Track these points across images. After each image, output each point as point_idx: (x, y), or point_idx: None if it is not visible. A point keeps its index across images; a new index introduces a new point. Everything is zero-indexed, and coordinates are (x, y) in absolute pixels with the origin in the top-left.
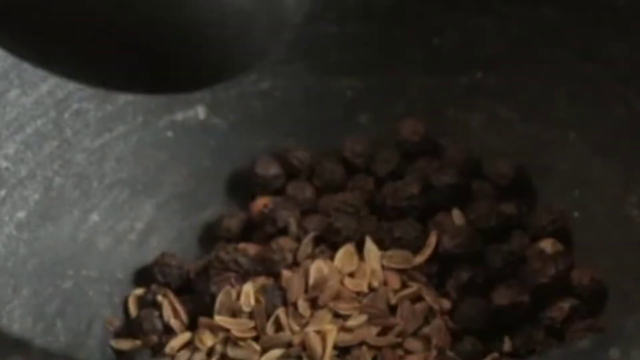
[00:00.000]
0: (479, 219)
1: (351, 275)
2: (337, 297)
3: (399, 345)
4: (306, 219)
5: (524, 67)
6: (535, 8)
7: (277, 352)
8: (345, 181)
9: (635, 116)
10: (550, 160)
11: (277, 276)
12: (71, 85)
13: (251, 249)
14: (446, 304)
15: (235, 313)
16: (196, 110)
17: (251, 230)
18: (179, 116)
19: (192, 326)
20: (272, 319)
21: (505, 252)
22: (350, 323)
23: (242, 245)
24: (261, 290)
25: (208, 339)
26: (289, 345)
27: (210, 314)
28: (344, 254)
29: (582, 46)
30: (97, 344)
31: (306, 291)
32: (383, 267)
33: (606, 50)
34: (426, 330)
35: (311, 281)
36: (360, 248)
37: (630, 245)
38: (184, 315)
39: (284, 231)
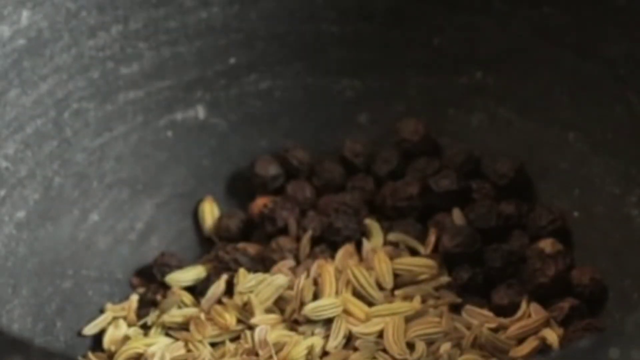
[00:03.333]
0: (479, 218)
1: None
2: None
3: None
4: (306, 218)
5: (524, 67)
6: (535, 8)
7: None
8: (345, 181)
9: (635, 116)
10: (550, 160)
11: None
12: (71, 85)
13: (251, 248)
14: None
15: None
16: (196, 110)
17: (251, 230)
18: (179, 116)
19: None
20: None
21: (505, 252)
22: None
23: (242, 245)
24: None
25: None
26: None
27: None
28: (344, 254)
29: (582, 46)
30: (96, 343)
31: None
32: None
33: (606, 50)
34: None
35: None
36: (360, 248)
37: (630, 245)
38: None
39: (284, 231)
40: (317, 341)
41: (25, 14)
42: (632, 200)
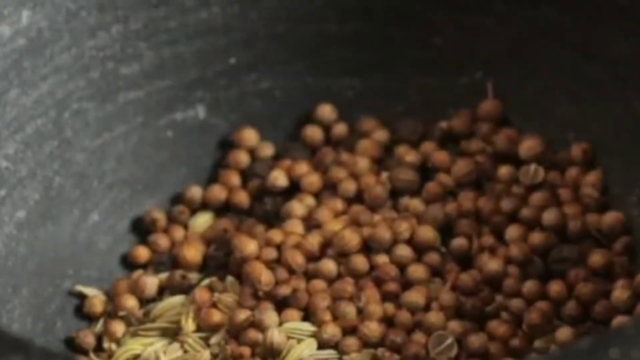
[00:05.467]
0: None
1: None
2: None
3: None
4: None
5: (524, 67)
6: (535, 8)
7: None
8: None
9: (635, 116)
10: None
11: None
12: (71, 85)
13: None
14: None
15: None
16: (196, 110)
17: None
18: (179, 116)
19: None
20: None
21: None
22: None
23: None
24: None
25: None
26: None
27: None
28: None
29: (582, 46)
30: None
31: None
32: None
33: (606, 50)
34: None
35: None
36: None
37: None
38: None
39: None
40: None
41: (25, 13)
42: (632, 200)
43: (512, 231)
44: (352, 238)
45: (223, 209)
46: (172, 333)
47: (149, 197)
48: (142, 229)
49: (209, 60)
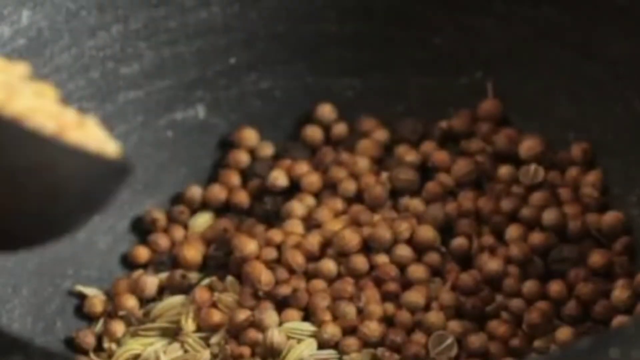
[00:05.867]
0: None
1: None
2: None
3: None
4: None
5: (524, 67)
6: (536, 8)
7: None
8: None
9: (635, 116)
10: None
11: None
12: (71, 85)
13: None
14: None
15: None
16: (196, 109)
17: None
18: (179, 116)
19: None
20: None
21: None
22: None
23: None
24: None
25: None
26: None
27: None
28: None
29: (582, 46)
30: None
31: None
32: None
33: (606, 50)
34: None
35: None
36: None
37: None
38: None
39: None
40: None
41: (25, 13)
42: (632, 200)
43: (512, 231)
44: (352, 238)
45: (223, 209)
46: (172, 333)
47: (149, 197)
48: (142, 229)
49: (209, 60)
